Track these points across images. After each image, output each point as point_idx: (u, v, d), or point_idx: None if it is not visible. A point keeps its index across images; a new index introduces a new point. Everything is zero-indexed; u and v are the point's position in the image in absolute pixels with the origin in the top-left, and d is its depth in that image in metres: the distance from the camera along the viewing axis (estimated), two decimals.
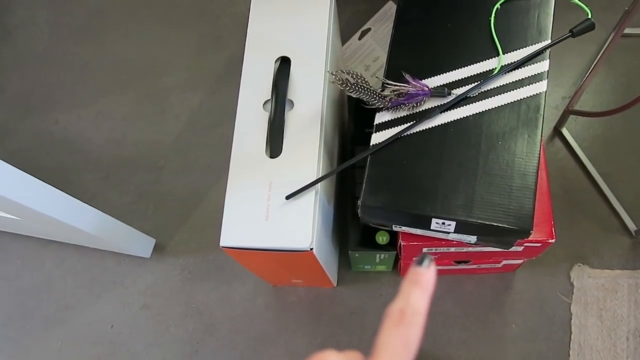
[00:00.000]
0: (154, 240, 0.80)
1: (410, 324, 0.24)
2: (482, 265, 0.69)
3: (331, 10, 0.60)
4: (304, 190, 0.52)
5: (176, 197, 0.83)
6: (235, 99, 0.57)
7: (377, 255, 0.66)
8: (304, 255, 0.53)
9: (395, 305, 0.25)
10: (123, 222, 0.72)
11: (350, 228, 0.65)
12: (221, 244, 0.52)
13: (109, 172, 0.85)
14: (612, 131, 0.79)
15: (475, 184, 0.49)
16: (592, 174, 0.77)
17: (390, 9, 0.86)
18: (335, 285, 0.74)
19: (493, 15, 0.55)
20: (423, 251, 0.61)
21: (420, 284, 0.26)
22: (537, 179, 0.49)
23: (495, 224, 0.48)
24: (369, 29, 0.85)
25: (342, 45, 0.84)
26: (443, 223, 0.50)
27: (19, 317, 0.78)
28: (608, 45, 0.72)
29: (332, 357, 0.24)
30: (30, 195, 0.56)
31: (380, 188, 0.51)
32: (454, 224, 0.50)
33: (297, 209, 0.52)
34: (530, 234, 0.48)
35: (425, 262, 0.27)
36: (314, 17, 0.60)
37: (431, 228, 0.51)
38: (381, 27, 0.84)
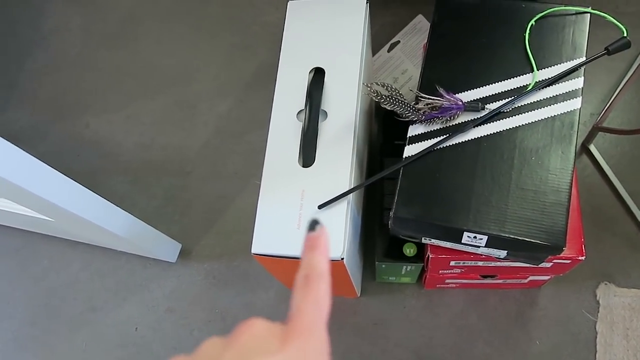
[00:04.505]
0: (180, 245, 0.81)
1: (317, 285, 0.26)
2: (508, 280, 0.68)
3: (366, 21, 0.61)
4: (337, 200, 0.52)
5: (203, 202, 0.84)
6: (264, 107, 0.58)
7: (404, 267, 0.66)
8: (334, 265, 0.53)
9: (300, 273, 0.27)
10: (150, 225, 0.73)
11: (378, 239, 0.65)
12: (253, 251, 0.53)
13: (137, 176, 0.87)
14: None
15: (508, 198, 0.50)
16: (620, 191, 0.76)
17: (420, 22, 0.87)
18: (358, 295, 0.74)
19: (528, 31, 0.55)
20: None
21: (318, 248, 0.27)
22: (570, 196, 0.49)
23: (527, 239, 0.48)
24: (398, 42, 0.86)
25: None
26: (475, 237, 0.50)
27: (45, 317, 0.79)
28: None
29: (259, 322, 0.25)
30: (66, 197, 0.57)
31: (413, 200, 0.51)
32: (485, 238, 0.50)
33: (329, 218, 0.52)
34: (563, 250, 0.48)
35: (316, 226, 0.28)
36: (349, 28, 0.60)
37: (462, 242, 0.52)
38: (410, 40, 0.85)
